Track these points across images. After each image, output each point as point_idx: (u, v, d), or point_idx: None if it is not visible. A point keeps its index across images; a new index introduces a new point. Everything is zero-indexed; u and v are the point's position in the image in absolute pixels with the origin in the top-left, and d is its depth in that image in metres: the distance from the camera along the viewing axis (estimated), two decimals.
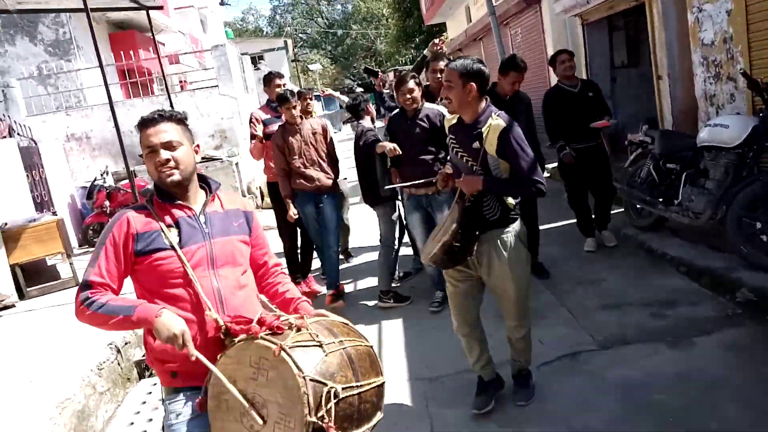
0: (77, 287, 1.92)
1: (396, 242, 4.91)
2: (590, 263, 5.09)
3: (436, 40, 5.16)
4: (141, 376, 4.31)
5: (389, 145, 4.42)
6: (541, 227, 5.07)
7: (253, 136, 5.33)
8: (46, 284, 6.20)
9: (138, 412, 3.76)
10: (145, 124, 1.95)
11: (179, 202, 1.99)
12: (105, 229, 1.94)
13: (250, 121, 5.41)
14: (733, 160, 4.30)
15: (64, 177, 9.32)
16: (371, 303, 5.06)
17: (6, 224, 6.02)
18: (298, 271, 5.49)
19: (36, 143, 8.63)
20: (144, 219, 1.94)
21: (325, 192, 4.88)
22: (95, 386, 3.75)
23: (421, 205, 4.47)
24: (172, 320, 1.80)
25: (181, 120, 2.00)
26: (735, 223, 4.13)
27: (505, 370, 3.30)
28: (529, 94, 4.90)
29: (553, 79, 9.68)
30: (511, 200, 2.85)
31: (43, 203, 7.91)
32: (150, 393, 3.98)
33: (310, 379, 1.62)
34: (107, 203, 8.48)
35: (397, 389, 3.56)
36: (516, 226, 2.90)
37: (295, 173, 4.85)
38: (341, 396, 1.66)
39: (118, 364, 4.13)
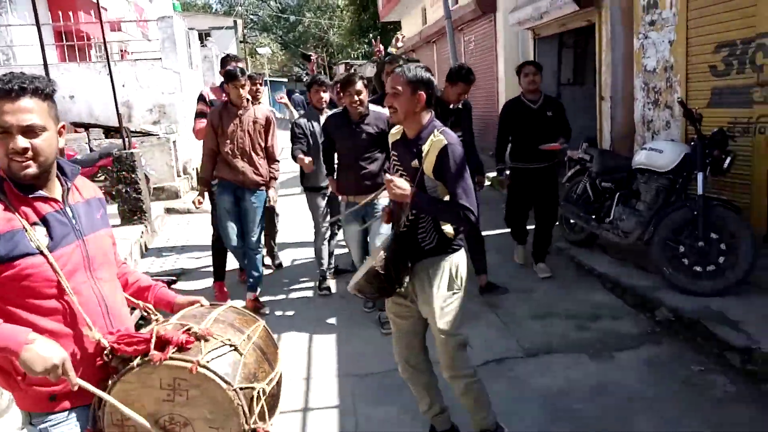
0: None
1: (323, 227, 4.86)
2: (522, 273, 5.21)
3: (399, 35, 5.01)
4: None
5: (306, 160, 4.38)
6: None
7: (199, 113, 4.97)
8: None
9: None
10: None
11: (41, 192, 1.59)
12: None
13: (200, 100, 5.10)
14: (664, 185, 4.51)
15: None
16: (303, 295, 5.01)
17: None
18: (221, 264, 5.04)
19: None
20: (2, 213, 1.51)
21: (249, 187, 4.47)
22: None
23: (357, 216, 4.21)
24: (47, 347, 1.44)
25: (49, 95, 1.57)
26: (660, 245, 4.32)
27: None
28: (477, 102, 4.90)
29: (502, 90, 9.91)
30: (449, 229, 2.55)
31: None
32: None
33: (240, 389, 1.58)
34: None
35: (325, 386, 3.53)
36: (455, 258, 2.59)
37: (221, 159, 4.43)
38: (267, 392, 1.67)
39: None
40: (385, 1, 18.13)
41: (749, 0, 4.37)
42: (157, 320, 1.79)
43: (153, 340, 1.57)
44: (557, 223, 5.76)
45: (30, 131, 1.51)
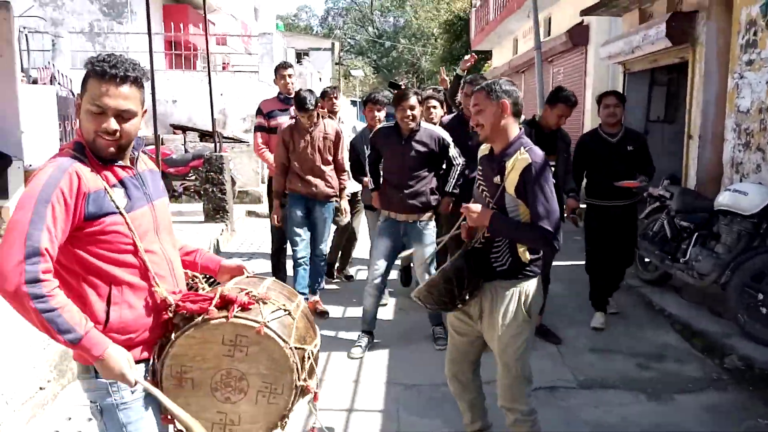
0: (10, 248, 1.48)
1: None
2: (589, 306, 5.04)
3: (467, 56, 4.95)
4: None
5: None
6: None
7: (258, 127, 5.28)
8: None
9: None
10: (104, 76, 1.59)
11: (120, 162, 1.73)
12: (45, 181, 1.56)
13: (258, 113, 5.32)
14: (747, 228, 4.29)
15: None
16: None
17: (30, 165, 6.18)
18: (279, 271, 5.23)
19: (74, 95, 8.86)
20: (89, 174, 1.63)
21: (320, 199, 4.64)
22: None
23: (395, 232, 4.07)
24: (120, 356, 1.60)
25: (142, 84, 1.68)
26: (737, 291, 4.11)
27: None
28: None
29: (588, 123, 9.73)
30: (526, 253, 2.44)
31: None
32: None
33: (295, 348, 1.74)
34: None
35: (372, 391, 3.59)
36: (526, 285, 2.47)
37: (292, 173, 4.61)
38: (314, 354, 1.83)
39: None
40: (478, 30, 18.33)
41: None
42: (202, 288, 1.94)
43: (218, 297, 1.71)
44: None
45: (123, 116, 1.63)
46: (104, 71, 1.59)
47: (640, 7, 7.76)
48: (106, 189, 1.64)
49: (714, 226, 4.63)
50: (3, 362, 3.14)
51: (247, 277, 1.94)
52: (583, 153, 4.68)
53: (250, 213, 9.16)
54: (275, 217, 4.80)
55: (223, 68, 14.45)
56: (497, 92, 2.42)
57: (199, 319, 1.70)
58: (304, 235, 4.68)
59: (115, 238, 1.66)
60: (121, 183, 1.70)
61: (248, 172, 9.92)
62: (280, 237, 5.14)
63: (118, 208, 1.65)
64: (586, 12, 8.75)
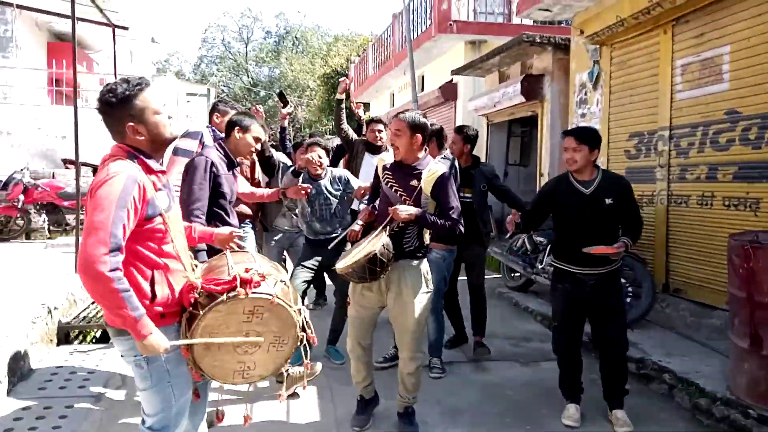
0: (99, 242, 1.84)
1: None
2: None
3: (347, 79, 5.73)
4: (64, 341, 4.68)
5: None
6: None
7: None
8: None
9: (60, 366, 4.15)
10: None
11: (161, 167, 2.10)
12: (122, 188, 1.90)
13: None
14: None
15: None
16: None
17: None
18: None
19: None
20: (148, 182, 2.01)
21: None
22: (28, 335, 4.09)
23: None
24: (159, 341, 1.95)
25: None
26: None
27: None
28: None
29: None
30: (427, 238, 3.17)
31: None
32: (66, 360, 4.33)
33: (295, 310, 2.22)
34: (21, 198, 8.49)
35: None
36: (424, 263, 3.17)
37: None
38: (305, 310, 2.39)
39: (46, 324, 4.46)
40: (357, 84, 19.71)
41: (653, 102, 5.64)
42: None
43: (239, 281, 2.07)
44: (499, 275, 6.68)
45: None
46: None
47: (500, 69, 9.33)
48: (154, 195, 2.05)
49: None
50: None
51: (233, 252, 2.47)
52: (544, 203, 3.66)
53: None
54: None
55: None
56: (414, 127, 3.05)
57: (224, 297, 2.06)
58: None
59: (158, 234, 2.06)
60: (164, 186, 2.13)
61: None
62: None
63: (162, 210, 2.07)
64: (455, 72, 10.23)
